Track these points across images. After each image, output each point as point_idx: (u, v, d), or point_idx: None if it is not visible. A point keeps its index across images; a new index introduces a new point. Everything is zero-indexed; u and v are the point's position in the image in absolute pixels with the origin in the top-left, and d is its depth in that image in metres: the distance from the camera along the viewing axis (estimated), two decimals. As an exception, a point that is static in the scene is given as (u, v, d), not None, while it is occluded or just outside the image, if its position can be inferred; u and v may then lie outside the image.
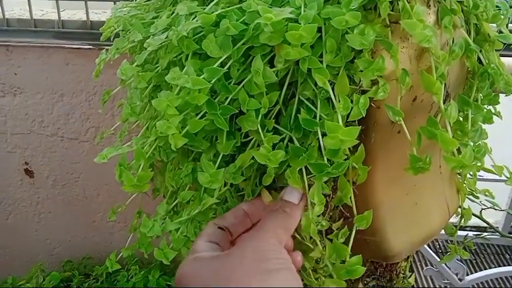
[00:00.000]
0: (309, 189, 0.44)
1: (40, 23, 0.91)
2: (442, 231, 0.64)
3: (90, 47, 0.90)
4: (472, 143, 0.54)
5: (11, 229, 1.15)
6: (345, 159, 0.43)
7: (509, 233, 1.18)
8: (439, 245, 1.89)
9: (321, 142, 0.41)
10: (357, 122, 0.44)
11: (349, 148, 0.44)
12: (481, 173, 0.62)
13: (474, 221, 1.32)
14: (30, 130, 1.01)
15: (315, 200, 0.44)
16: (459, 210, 0.62)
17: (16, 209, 1.13)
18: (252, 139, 0.48)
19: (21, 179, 1.08)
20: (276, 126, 0.46)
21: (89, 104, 0.95)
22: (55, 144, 1.02)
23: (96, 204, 1.08)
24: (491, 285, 1.75)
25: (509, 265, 1.70)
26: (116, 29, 0.62)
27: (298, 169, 0.44)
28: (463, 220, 0.60)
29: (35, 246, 1.16)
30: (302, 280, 0.58)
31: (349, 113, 0.42)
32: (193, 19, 0.46)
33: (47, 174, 1.06)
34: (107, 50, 0.59)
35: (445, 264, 1.11)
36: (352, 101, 0.42)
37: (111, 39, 0.63)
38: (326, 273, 0.58)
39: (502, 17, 0.48)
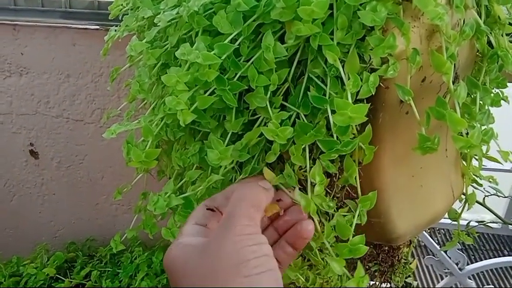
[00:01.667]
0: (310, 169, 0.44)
1: (47, 2, 0.91)
2: (444, 221, 0.65)
3: (97, 27, 0.90)
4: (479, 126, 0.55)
5: (15, 211, 1.16)
6: (352, 139, 0.43)
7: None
8: (437, 238, 1.90)
9: (330, 120, 0.41)
10: (365, 101, 0.44)
11: (356, 129, 0.44)
12: (484, 162, 0.62)
13: (475, 216, 1.33)
14: (36, 111, 1.01)
15: (316, 179, 0.44)
16: (463, 196, 0.63)
17: (20, 190, 1.13)
18: (259, 117, 0.48)
19: (26, 160, 1.08)
20: (284, 103, 0.46)
21: (95, 85, 0.95)
22: (60, 125, 1.02)
23: (100, 187, 1.09)
24: (491, 275, 1.76)
25: (509, 255, 1.71)
26: (124, 7, 0.62)
27: (302, 147, 0.44)
28: (467, 205, 0.60)
29: (39, 228, 1.16)
30: (308, 260, 0.58)
31: (358, 91, 0.42)
32: (204, -5, 0.46)
33: (52, 156, 1.07)
34: (117, 26, 0.60)
35: (446, 254, 1.12)
36: (361, 79, 0.42)
37: (120, 18, 0.63)
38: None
39: (514, -1, 0.48)
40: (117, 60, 0.87)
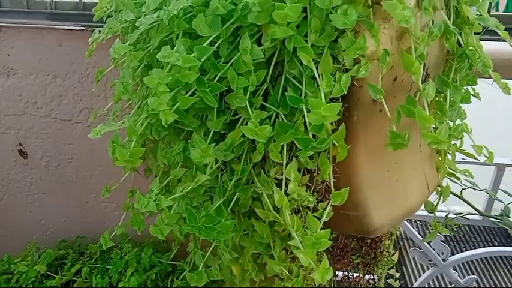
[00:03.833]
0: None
1: (33, 4, 0.92)
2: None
3: (83, 28, 0.91)
4: (451, 123, 0.57)
5: (5, 210, 1.17)
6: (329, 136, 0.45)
7: (500, 215, 1.22)
8: (429, 231, 1.94)
9: (306, 118, 0.43)
10: (340, 100, 0.46)
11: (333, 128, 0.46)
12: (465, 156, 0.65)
13: (465, 209, 1.35)
14: (24, 111, 1.02)
15: (291, 176, 0.46)
16: (439, 188, 0.65)
17: (10, 190, 1.14)
18: (240, 117, 0.50)
19: (15, 160, 1.09)
20: (264, 103, 0.48)
21: (82, 85, 0.96)
22: (48, 125, 1.03)
23: (89, 185, 1.10)
24: (474, 265, 1.81)
25: (490, 246, 1.75)
26: (108, 9, 0.64)
27: (281, 145, 0.46)
28: (442, 197, 0.63)
29: (30, 226, 1.17)
30: (292, 253, 0.60)
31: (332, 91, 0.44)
32: (183, -1, 0.48)
33: (41, 156, 1.08)
34: (102, 27, 0.61)
35: (430, 246, 1.15)
36: (335, 79, 0.44)
37: (104, 20, 0.64)
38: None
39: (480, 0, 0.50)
40: (103, 60, 0.88)
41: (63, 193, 1.12)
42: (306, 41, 0.44)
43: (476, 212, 1.04)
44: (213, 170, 0.52)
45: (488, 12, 0.79)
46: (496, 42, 0.73)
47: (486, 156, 0.59)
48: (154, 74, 0.47)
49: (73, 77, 0.96)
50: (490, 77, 0.56)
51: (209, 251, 0.61)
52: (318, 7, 0.42)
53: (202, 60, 0.45)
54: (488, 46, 0.70)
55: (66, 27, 0.91)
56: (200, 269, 0.59)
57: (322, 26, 0.43)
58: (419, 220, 1.91)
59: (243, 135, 0.48)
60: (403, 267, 1.77)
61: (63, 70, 0.96)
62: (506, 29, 0.52)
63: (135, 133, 0.52)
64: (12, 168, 1.11)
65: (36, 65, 0.96)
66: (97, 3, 0.67)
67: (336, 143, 0.46)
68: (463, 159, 1.03)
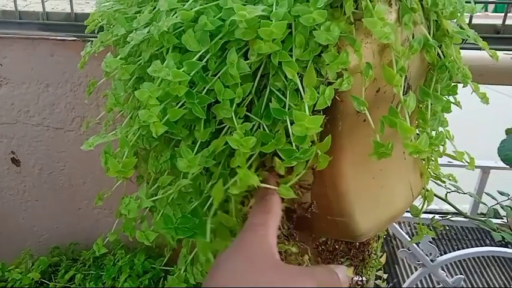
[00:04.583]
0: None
1: (25, 14, 0.93)
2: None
3: (75, 38, 0.92)
4: (433, 132, 0.59)
5: (-2, 217, 1.18)
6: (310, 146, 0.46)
7: (483, 215, 1.25)
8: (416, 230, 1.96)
9: (290, 130, 0.45)
10: (324, 111, 0.48)
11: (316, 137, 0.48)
12: (451, 159, 0.67)
13: (447, 207, 1.38)
14: (16, 120, 1.03)
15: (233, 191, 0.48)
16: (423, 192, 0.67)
17: (3, 197, 1.15)
18: (225, 126, 0.51)
19: (7, 168, 1.10)
20: (248, 114, 0.49)
21: (74, 94, 0.97)
22: (41, 133, 1.04)
23: (82, 192, 1.11)
24: (466, 263, 1.85)
25: (490, 245, 1.78)
26: (99, 22, 0.65)
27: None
28: (426, 202, 0.65)
29: (23, 233, 1.18)
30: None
31: (315, 103, 0.45)
32: (173, 15, 0.49)
33: (33, 163, 1.08)
34: (92, 42, 0.62)
35: (418, 247, 1.17)
36: (318, 92, 0.46)
37: (95, 32, 0.65)
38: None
39: (459, 14, 0.52)
40: (95, 69, 0.89)
41: (56, 200, 1.13)
42: (291, 56, 0.45)
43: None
44: (195, 176, 0.53)
45: (470, 23, 0.81)
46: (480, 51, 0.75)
47: (467, 162, 0.61)
48: (145, 88, 0.48)
49: (65, 86, 0.97)
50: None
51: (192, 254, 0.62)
52: (302, 24, 0.44)
53: (191, 74, 0.47)
54: (472, 53, 0.72)
55: (58, 38, 0.92)
56: (181, 272, 0.61)
57: (306, 42, 0.45)
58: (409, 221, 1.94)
59: (226, 143, 0.49)
60: (396, 266, 1.80)
61: (55, 79, 0.97)
62: (489, 38, 0.54)
63: (127, 144, 0.53)
64: (5, 176, 1.11)
65: (29, 75, 0.97)
66: (89, 14, 0.68)
67: (319, 152, 0.47)
68: (449, 162, 1.05)
